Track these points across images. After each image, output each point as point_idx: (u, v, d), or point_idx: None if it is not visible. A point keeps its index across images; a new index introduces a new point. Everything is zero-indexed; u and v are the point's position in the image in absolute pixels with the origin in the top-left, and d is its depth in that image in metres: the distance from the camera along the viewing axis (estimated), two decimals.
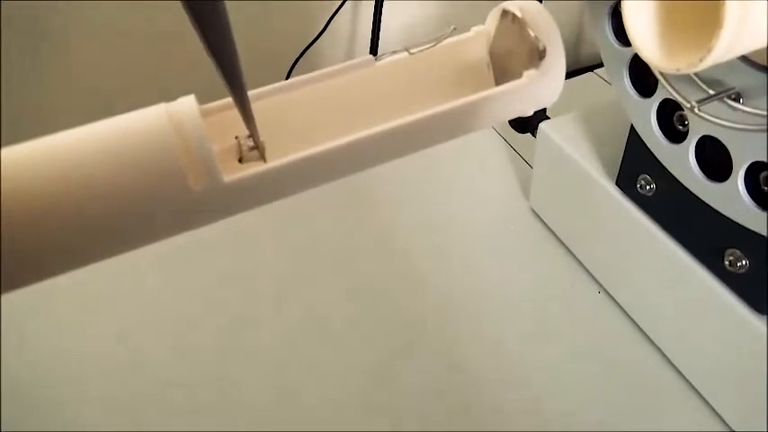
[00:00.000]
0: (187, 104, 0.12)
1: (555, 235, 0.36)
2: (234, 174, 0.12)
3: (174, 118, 0.12)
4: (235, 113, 0.14)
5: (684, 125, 0.23)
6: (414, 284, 0.34)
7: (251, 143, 0.14)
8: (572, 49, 0.57)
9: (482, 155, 0.42)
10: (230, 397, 0.30)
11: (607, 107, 0.34)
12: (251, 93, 0.14)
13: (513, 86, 0.14)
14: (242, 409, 0.29)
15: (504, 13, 0.15)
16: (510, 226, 0.37)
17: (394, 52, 0.15)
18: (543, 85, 0.14)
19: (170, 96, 0.14)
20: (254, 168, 0.12)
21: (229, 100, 0.14)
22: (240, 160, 0.14)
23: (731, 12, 0.14)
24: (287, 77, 0.51)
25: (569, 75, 0.48)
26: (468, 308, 0.33)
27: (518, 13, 0.14)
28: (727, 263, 0.24)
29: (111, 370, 0.31)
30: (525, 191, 0.38)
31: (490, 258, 0.36)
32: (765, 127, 0.19)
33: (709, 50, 0.15)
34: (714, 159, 0.22)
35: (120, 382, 0.31)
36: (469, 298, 0.34)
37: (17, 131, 0.47)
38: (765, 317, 0.23)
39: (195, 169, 0.12)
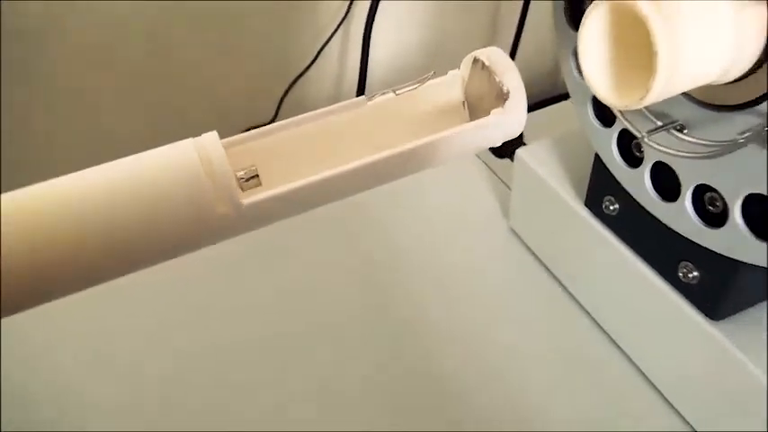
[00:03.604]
0: (211, 139, 0.14)
1: (532, 252, 0.38)
2: (249, 198, 0.15)
3: (201, 152, 0.14)
4: (245, 147, 0.17)
5: (640, 152, 0.26)
6: (398, 303, 0.37)
7: (249, 174, 0.16)
8: (551, 78, 0.61)
9: (465, 178, 0.45)
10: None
11: (579, 134, 0.37)
12: (263, 128, 0.17)
13: (483, 123, 0.16)
14: None
15: (475, 60, 0.17)
16: (490, 244, 0.40)
17: (383, 93, 0.18)
18: (507, 121, 0.16)
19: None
20: (268, 193, 0.15)
21: (240, 136, 0.17)
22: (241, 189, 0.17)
23: (662, 62, 0.17)
24: (278, 105, 0.54)
25: (548, 102, 0.51)
26: (450, 321, 0.36)
27: (486, 61, 0.17)
28: (680, 274, 0.26)
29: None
30: (505, 211, 0.41)
31: (471, 275, 0.38)
32: (707, 154, 0.22)
33: (647, 92, 0.18)
34: (666, 182, 0.25)
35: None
36: (452, 314, 0.36)
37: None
38: (716, 322, 0.26)
39: (219, 195, 0.14)
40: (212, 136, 0.15)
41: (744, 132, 0.20)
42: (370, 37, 0.52)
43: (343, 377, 0.33)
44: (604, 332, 0.33)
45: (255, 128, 0.17)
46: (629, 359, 0.32)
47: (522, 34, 0.51)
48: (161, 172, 0.14)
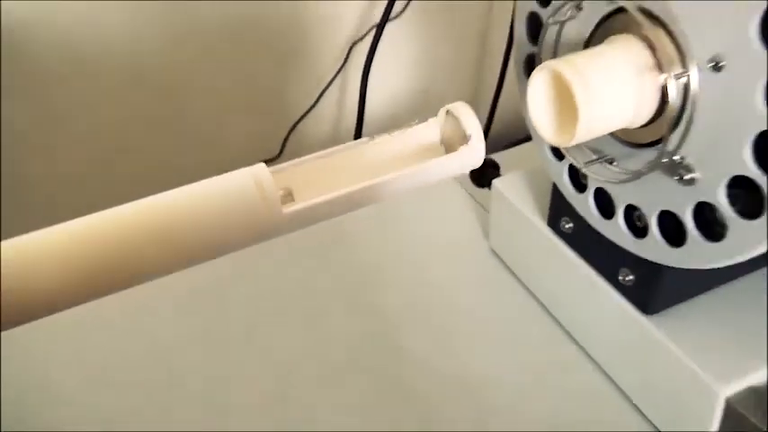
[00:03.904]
0: (262, 169, 0.21)
1: (509, 269, 0.44)
2: (287, 210, 0.21)
3: (255, 178, 0.20)
4: (282, 174, 0.23)
5: (585, 180, 0.32)
6: (384, 318, 0.42)
7: (287, 193, 0.23)
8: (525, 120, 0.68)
9: (449, 205, 0.51)
10: None
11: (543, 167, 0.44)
12: (293, 161, 0.23)
13: (452, 156, 0.23)
14: None
15: (448, 111, 0.24)
16: (473, 262, 0.46)
17: (381, 135, 0.25)
18: (469, 155, 0.23)
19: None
20: (299, 206, 0.21)
21: (279, 166, 0.23)
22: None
23: (582, 114, 0.24)
24: (283, 143, 0.60)
25: (522, 140, 0.58)
26: (435, 332, 0.41)
27: (455, 112, 0.23)
28: (620, 278, 0.33)
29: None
30: (486, 234, 0.47)
31: (456, 290, 0.44)
32: (628, 179, 0.28)
33: (574, 134, 0.24)
34: (605, 203, 0.32)
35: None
36: (434, 324, 0.42)
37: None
38: (650, 316, 0.32)
39: (268, 207, 0.20)
40: (262, 166, 0.21)
41: (649, 163, 0.26)
42: (367, 83, 0.58)
43: (326, 397, 0.38)
44: (571, 337, 0.39)
45: (266, 161, 0.23)
46: (595, 361, 0.38)
47: (504, 83, 0.58)
48: (228, 191, 0.20)
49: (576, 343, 0.39)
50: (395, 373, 0.39)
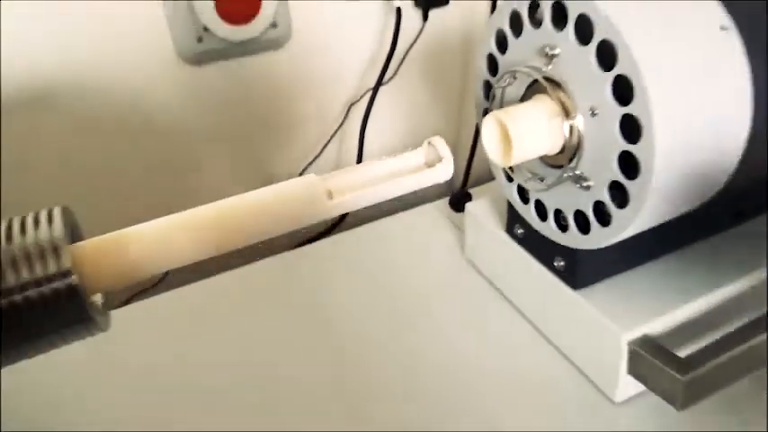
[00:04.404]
0: (315, 177, 0.34)
1: (483, 275, 0.57)
2: (333, 202, 0.34)
3: (312, 181, 0.33)
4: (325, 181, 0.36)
5: (527, 194, 0.46)
6: (371, 320, 0.51)
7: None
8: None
9: (433, 228, 0.64)
10: None
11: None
12: (329, 173, 0.36)
13: (429, 170, 0.36)
14: None
15: (429, 142, 0.37)
16: (452, 270, 0.59)
17: (386, 158, 0.38)
18: (443, 170, 0.36)
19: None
20: (336, 201, 0.34)
21: (325, 174, 0.36)
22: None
23: (515, 145, 0.37)
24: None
25: (490, 179, 0.71)
26: (416, 336, 0.50)
27: (433, 143, 0.37)
28: (555, 264, 0.45)
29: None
30: (462, 247, 0.60)
31: (436, 295, 0.56)
32: (550, 188, 0.42)
33: (510, 159, 0.38)
34: (542, 210, 0.45)
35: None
36: (417, 326, 0.51)
37: None
38: (577, 290, 0.45)
39: (320, 199, 0.33)
40: (314, 176, 0.34)
41: (563, 177, 0.40)
42: (364, 137, 0.66)
43: (309, 412, 0.43)
44: (525, 317, 0.52)
45: None
46: (541, 332, 0.50)
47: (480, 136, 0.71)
48: (296, 189, 0.33)
49: (530, 322, 0.51)
50: (381, 373, 0.46)
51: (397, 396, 0.45)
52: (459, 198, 0.61)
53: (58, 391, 0.46)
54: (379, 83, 0.64)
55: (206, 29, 0.55)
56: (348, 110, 0.67)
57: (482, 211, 0.55)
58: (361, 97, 0.67)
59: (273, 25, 0.58)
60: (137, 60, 0.56)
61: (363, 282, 0.58)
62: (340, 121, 0.68)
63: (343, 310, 0.54)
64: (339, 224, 0.70)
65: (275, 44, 0.60)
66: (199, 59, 0.58)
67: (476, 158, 0.70)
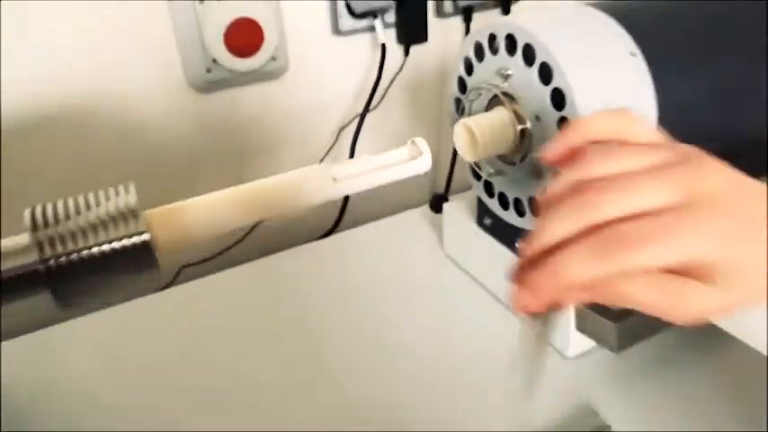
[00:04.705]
0: (323, 165, 0.43)
1: (461, 267, 0.66)
2: (336, 187, 0.43)
3: (320, 168, 0.43)
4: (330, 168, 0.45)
5: (492, 188, 0.55)
6: (364, 309, 0.59)
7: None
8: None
9: (415, 228, 0.74)
10: None
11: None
12: (333, 164, 0.45)
13: (413, 162, 0.46)
14: None
15: (412, 141, 0.47)
16: (432, 264, 0.68)
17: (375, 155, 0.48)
18: (423, 162, 0.45)
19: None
20: (338, 186, 0.43)
21: (333, 164, 0.46)
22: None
23: (479, 142, 0.47)
24: None
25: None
26: (402, 324, 0.59)
27: (416, 142, 0.47)
28: (517, 245, 0.55)
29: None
30: (441, 244, 0.69)
31: (419, 286, 0.64)
32: (509, 181, 0.52)
33: (475, 155, 0.48)
34: (505, 201, 0.54)
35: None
36: (404, 318, 0.59)
37: None
38: None
39: (328, 182, 0.42)
40: (323, 164, 0.43)
41: (519, 169, 0.50)
42: (354, 157, 0.73)
43: (294, 406, 0.46)
44: (494, 295, 0.61)
45: None
46: (505, 304, 0.59)
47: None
48: (308, 175, 0.43)
49: (503, 304, 0.60)
50: (375, 359, 0.52)
51: (390, 387, 0.51)
52: (438, 200, 0.71)
53: (58, 390, 0.48)
54: (367, 109, 0.71)
55: (215, 60, 0.62)
56: (339, 133, 0.74)
57: (457, 209, 0.64)
58: (350, 122, 0.73)
59: (273, 58, 0.64)
60: (151, 90, 0.63)
61: (355, 279, 0.66)
62: (332, 142, 0.74)
63: (337, 306, 0.61)
64: (334, 229, 0.78)
65: (274, 75, 0.68)
66: (207, 88, 0.65)
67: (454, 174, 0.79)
